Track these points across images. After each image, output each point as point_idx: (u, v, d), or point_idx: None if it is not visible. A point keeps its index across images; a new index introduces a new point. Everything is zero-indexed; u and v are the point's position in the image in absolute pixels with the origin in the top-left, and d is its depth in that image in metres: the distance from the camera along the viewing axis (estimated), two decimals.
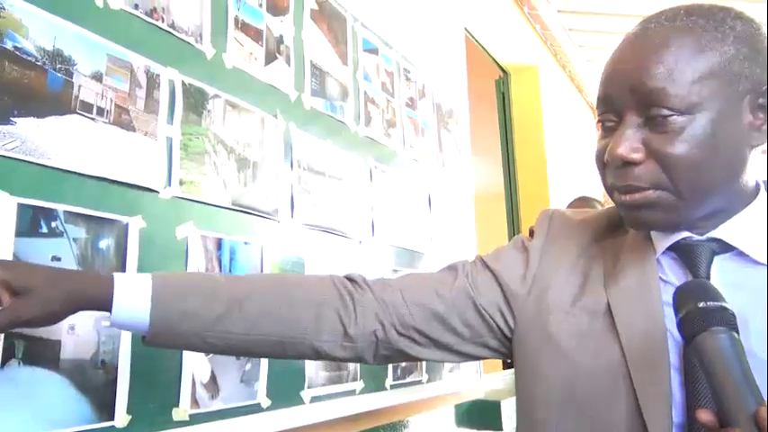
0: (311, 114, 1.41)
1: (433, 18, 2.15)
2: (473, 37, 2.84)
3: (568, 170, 3.70)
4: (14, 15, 0.85)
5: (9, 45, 0.84)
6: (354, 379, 1.40)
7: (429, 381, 1.70)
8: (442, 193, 1.97)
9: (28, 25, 0.87)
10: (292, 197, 1.31)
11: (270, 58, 1.32)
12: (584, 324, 0.77)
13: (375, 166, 1.63)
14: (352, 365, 1.39)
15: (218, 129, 1.15)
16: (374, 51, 1.73)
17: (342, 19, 1.60)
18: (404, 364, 1.58)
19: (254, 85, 1.26)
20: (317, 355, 0.83)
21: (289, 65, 1.37)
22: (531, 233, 0.91)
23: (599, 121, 0.74)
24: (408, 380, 1.61)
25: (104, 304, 0.72)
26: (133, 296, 0.73)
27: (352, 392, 1.38)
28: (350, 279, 0.86)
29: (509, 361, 0.87)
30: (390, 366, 1.53)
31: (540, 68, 3.41)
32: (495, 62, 3.28)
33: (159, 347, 0.78)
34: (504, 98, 3.36)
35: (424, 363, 1.68)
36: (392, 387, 1.53)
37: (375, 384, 1.47)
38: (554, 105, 3.58)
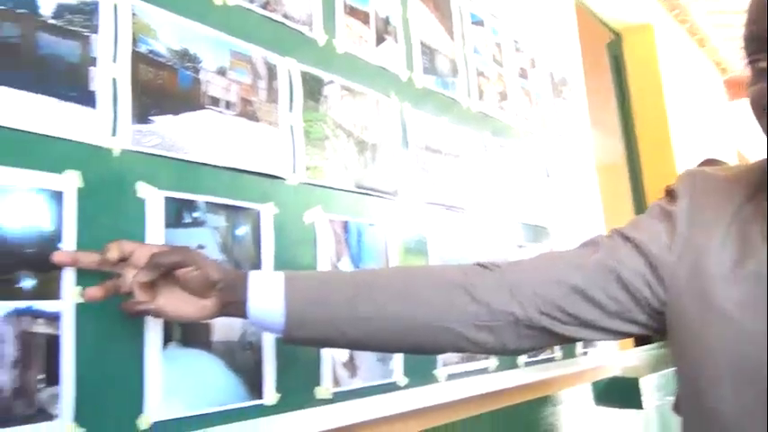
0: (423, 93, 1.40)
1: None
2: None
3: (693, 134, 3.43)
4: (144, 20, 0.91)
5: (143, 48, 0.89)
6: (487, 357, 1.37)
7: (563, 358, 1.64)
8: (560, 164, 1.89)
9: (156, 28, 0.92)
10: (411, 177, 1.30)
11: (379, 39, 1.32)
12: (750, 289, 0.69)
13: (490, 140, 1.59)
14: None
15: (336, 113, 1.17)
16: (481, 24, 1.68)
17: None
18: None
19: (365, 67, 1.26)
20: (455, 338, 0.78)
21: (398, 45, 1.36)
22: (668, 193, 0.83)
23: (749, 63, 0.67)
24: (542, 357, 1.56)
25: (240, 306, 0.75)
26: (267, 292, 0.75)
27: (485, 370, 1.36)
28: (480, 264, 0.83)
29: (651, 335, 0.81)
30: None
31: (655, 27, 3.17)
32: (605, 24, 3.09)
33: (296, 344, 0.79)
34: (617, 62, 3.17)
35: None
36: (526, 365, 1.49)
37: (508, 362, 1.43)
38: (673, 65, 3.32)
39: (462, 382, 1.29)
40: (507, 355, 0.78)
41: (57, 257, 0.75)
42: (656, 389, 1.79)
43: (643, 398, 1.76)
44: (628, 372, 1.89)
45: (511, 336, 0.78)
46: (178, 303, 0.76)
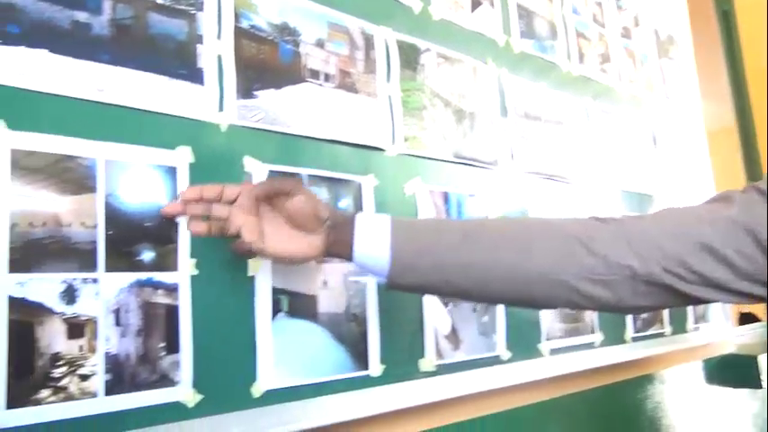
0: (521, 58, 1.34)
1: None
2: None
3: None
4: None
5: (245, 24, 0.90)
6: (593, 331, 1.32)
7: (673, 333, 1.55)
8: (668, 128, 1.76)
9: (257, 3, 0.92)
10: (511, 145, 1.26)
11: (475, 4, 1.27)
12: None
13: (592, 105, 1.50)
14: (589, 317, 1.31)
15: (433, 82, 1.14)
16: None
17: None
18: (644, 315, 1.45)
19: (461, 34, 1.22)
20: (568, 293, 0.72)
21: (494, 9, 1.30)
22: None
23: None
24: (650, 332, 1.48)
25: (347, 246, 0.74)
26: (373, 236, 0.73)
27: (590, 345, 1.31)
28: (597, 218, 0.78)
29: None
30: (630, 318, 1.42)
31: None
32: None
33: (399, 290, 0.76)
34: (727, 17, 2.91)
35: (666, 314, 1.54)
36: (633, 340, 1.42)
37: (615, 337, 1.37)
38: None
39: (567, 356, 1.25)
40: (623, 313, 0.72)
41: (167, 209, 0.77)
42: None
43: (763, 377, 1.64)
44: (744, 349, 1.77)
45: (627, 292, 0.72)
46: (286, 242, 0.75)
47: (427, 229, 0.75)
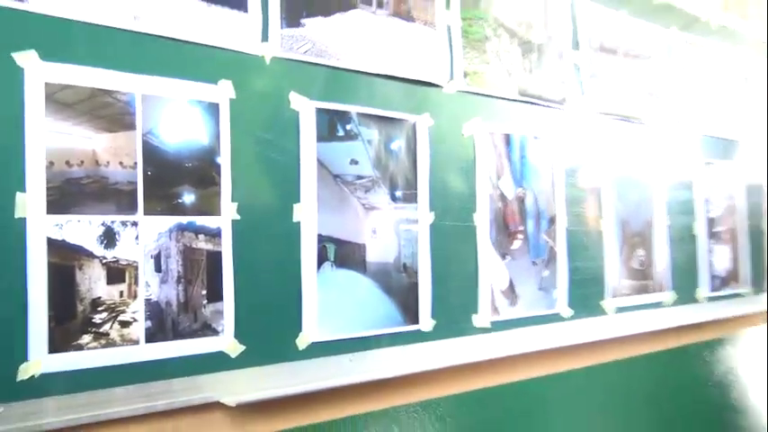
0: None
1: None
2: None
3: None
4: None
5: None
6: (663, 289, 1.22)
7: (753, 293, 1.43)
8: (763, 65, 1.58)
9: None
10: (581, 82, 1.14)
11: None
12: None
13: (677, 37, 1.35)
14: (660, 274, 1.22)
15: (498, 10, 1.03)
16: None
17: None
18: (721, 273, 1.34)
19: None
20: None
21: None
22: None
23: None
24: (727, 292, 1.37)
25: None
26: None
27: (659, 304, 1.22)
28: None
29: None
30: (706, 276, 1.32)
31: None
32: None
33: None
34: None
35: (746, 272, 1.42)
36: (708, 300, 1.32)
37: (687, 296, 1.28)
38: None
39: (633, 315, 1.17)
40: None
41: None
42: None
43: None
44: None
45: None
46: None
47: None
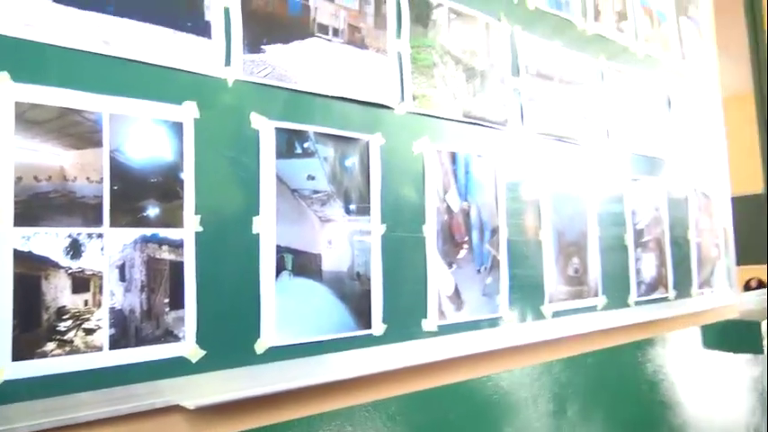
0: (536, 14, 1.30)
1: None
2: None
3: None
4: None
5: None
6: (596, 294, 1.32)
7: (677, 297, 1.55)
8: (683, 91, 1.72)
9: None
10: (521, 105, 1.23)
11: None
12: None
13: (607, 65, 1.46)
14: (593, 280, 1.31)
15: (444, 39, 1.11)
16: None
17: None
18: (648, 279, 1.45)
19: None
20: None
21: None
22: None
23: None
24: (654, 296, 1.49)
25: None
26: None
27: (593, 308, 1.31)
28: None
29: None
30: (634, 282, 1.42)
31: None
32: None
33: None
34: None
35: (671, 278, 1.54)
36: (636, 304, 1.43)
37: (618, 300, 1.38)
38: None
39: (569, 319, 1.25)
40: None
41: None
42: None
43: (765, 342, 1.65)
44: (748, 315, 1.77)
45: None
46: None
47: None
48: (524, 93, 1.24)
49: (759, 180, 2.80)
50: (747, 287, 3.58)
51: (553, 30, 1.33)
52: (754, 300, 1.93)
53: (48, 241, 0.68)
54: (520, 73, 1.24)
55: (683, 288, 1.59)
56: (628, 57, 1.54)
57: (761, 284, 3.38)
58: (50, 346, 0.68)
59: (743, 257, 1.95)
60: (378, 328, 0.95)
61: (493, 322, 1.12)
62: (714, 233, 1.75)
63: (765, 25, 2.77)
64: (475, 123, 1.13)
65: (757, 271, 3.21)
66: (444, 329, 1.04)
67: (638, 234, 1.47)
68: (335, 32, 0.96)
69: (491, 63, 1.19)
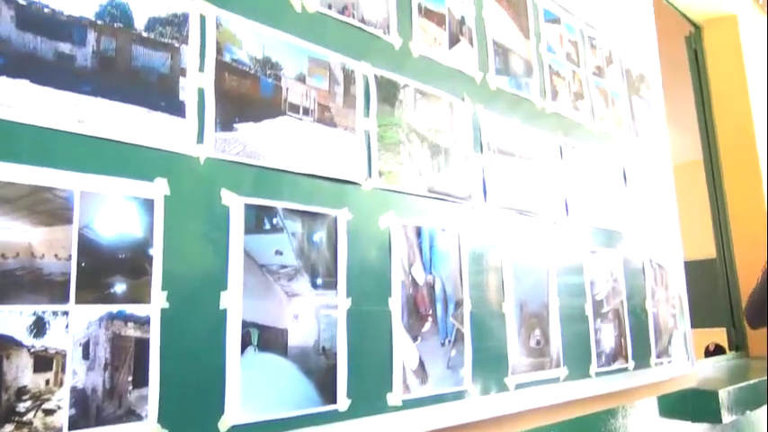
0: (497, 94, 1.37)
1: None
2: None
3: None
4: (230, 29, 0.92)
5: (227, 58, 0.91)
6: (558, 365, 1.34)
7: (636, 368, 1.58)
8: (637, 165, 1.82)
9: (242, 38, 0.93)
10: (484, 181, 1.28)
11: (453, 41, 1.30)
12: None
13: (564, 141, 1.54)
14: (555, 351, 1.34)
15: (410, 118, 1.16)
16: (556, 21, 1.63)
17: None
18: (608, 350, 1.49)
19: (440, 70, 1.25)
20: None
21: (472, 46, 1.34)
22: None
23: None
24: (614, 367, 1.51)
25: None
26: None
27: (556, 380, 1.33)
28: None
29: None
30: (595, 352, 1.45)
31: (739, 18, 3.00)
32: (684, 16, 2.95)
33: None
34: (696, 56, 3.02)
35: (630, 348, 1.58)
36: (597, 375, 1.45)
37: (579, 371, 1.40)
38: (759, 59, 3.13)
39: (532, 390, 1.27)
40: None
41: None
42: (733, 403, 1.71)
43: (723, 411, 1.68)
44: (704, 384, 1.81)
45: None
46: None
47: None
48: (487, 169, 1.29)
49: (711, 244, 2.91)
50: (707, 352, 3.66)
51: (514, 108, 1.41)
52: (712, 366, 1.98)
53: (11, 320, 0.68)
54: (482, 149, 1.30)
55: (641, 358, 1.62)
56: (584, 133, 1.63)
57: (719, 349, 3.46)
58: (8, 428, 0.66)
59: (698, 321, 2.01)
60: (343, 403, 0.95)
61: (458, 395, 1.12)
62: (670, 302, 1.81)
63: (712, 96, 2.96)
64: (439, 198, 1.18)
65: (716, 334, 3.29)
66: (409, 403, 1.04)
67: (598, 305, 1.51)
68: (306, 111, 1.00)
69: (455, 140, 1.24)
